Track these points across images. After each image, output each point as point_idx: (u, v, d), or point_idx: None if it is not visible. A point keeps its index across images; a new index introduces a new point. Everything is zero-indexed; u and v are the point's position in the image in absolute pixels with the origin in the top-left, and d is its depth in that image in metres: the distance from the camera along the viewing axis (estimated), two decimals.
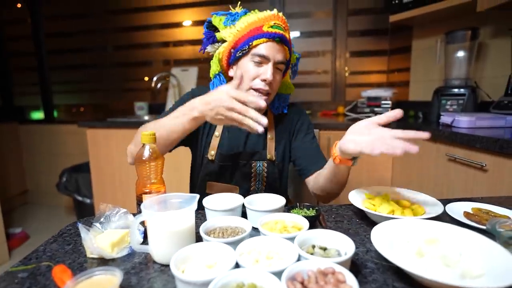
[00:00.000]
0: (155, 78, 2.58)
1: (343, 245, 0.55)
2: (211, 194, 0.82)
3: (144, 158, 0.70)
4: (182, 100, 1.09)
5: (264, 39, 0.95)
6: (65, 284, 0.46)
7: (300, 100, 2.65)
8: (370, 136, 0.70)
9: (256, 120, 0.74)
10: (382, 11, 2.41)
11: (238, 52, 0.99)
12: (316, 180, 1.02)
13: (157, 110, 2.88)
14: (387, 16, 2.12)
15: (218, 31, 1.04)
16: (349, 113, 2.41)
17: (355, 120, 2.10)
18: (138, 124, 2.19)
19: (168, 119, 0.87)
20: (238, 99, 0.75)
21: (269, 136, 1.11)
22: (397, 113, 0.70)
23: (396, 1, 2.01)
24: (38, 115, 3.41)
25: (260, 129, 0.73)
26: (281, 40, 0.97)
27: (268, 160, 1.09)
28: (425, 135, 0.65)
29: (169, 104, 2.76)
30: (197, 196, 0.64)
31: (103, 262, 0.60)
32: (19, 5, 3.21)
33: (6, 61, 3.37)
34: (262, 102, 0.74)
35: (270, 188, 1.10)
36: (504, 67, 1.72)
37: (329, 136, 1.93)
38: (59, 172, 2.78)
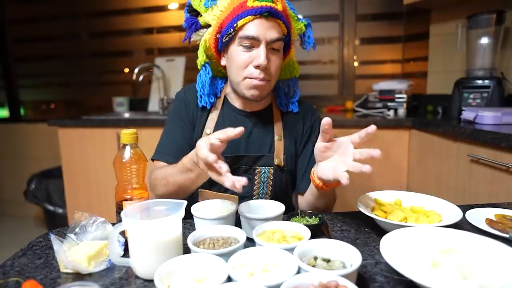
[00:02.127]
0: (136, 70, 2.59)
1: (348, 256, 0.56)
2: None
3: (124, 160, 0.72)
4: (176, 109, 1.10)
5: (250, 17, 0.91)
6: None
7: (304, 94, 2.66)
8: (334, 161, 0.80)
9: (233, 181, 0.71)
10: None
11: (224, 38, 0.96)
12: (305, 196, 1.06)
13: (139, 105, 2.89)
14: None
15: (201, 15, 1.01)
16: (359, 108, 2.43)
17: (365, 116, 2.13)
18: (117, 122, 2.21)
19: (175, 172, 0.89)
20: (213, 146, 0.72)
21: (276, 136, 1.07)
22: (371, 130, 0.74)
23: None
24: (2, 112, 3.41)
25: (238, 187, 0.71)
26: (271, 14, 0.91)
27: (276, 165, 1.05)
28: (375, 153, 0.70)
29: (153, 99, 2.77)
30: (185, 202, 0.65)
31: (78, 277, 0.61)
32: None
33: None
34: (237, 130, 0.72)
35: (275, 198, 1.02)
36: None
37: (336, 134, 1.94)
38: (27, 178, 2.78)
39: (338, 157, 0.80)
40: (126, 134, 0.72)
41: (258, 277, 0.52)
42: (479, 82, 1.82)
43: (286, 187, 1.10)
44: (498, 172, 1.28)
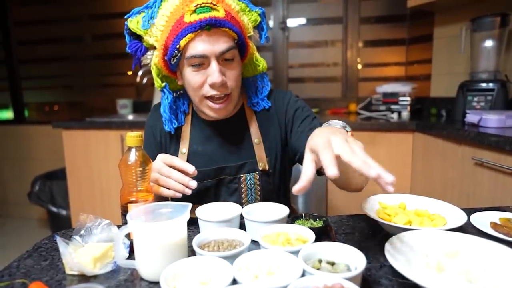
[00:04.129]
0: (140, 72, 2.60)
1: (353, 259, 0.57)
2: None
3: (129, 163, 0.72)
4: (145, 136, 1.12)
5: (191, 35, 0.83)
6: None
7: (306, 97, 2.67)
8: None
9: (182, 182, 0.81)
10: None
11: (172, 60, 0.88)
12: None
13: (143, 108, 2.90)
14: (405, 0, 2.15)
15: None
16: (363, 111, 2.42)
17: (369, 119, 2.13)
18: (121, 124, 2.22)
19: None
20: (167, 163, 0.82)
21: (255, 140, 1.03)
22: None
23: None
24: (6, 114, 3.43)
25: (188, 192, 0.80)
26: (214, 25, 0.83)
27: (261, 171, 1.01)
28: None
29: (156, 101, 2.77)
30: (190, 205, 0.66)
31: (84, 279, 0.61)
32: None
33: None
34: (190, 168, 0.81)
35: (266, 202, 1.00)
36: None
37: None
38: (31, 180, 2.79)
39: None
40: (132, 136, 0.73)
41: (263, 280, 0.52)
42: (483, 85, 1.82)
43: (276, 190, 1.07)
44: (503, 175, 1.28)
